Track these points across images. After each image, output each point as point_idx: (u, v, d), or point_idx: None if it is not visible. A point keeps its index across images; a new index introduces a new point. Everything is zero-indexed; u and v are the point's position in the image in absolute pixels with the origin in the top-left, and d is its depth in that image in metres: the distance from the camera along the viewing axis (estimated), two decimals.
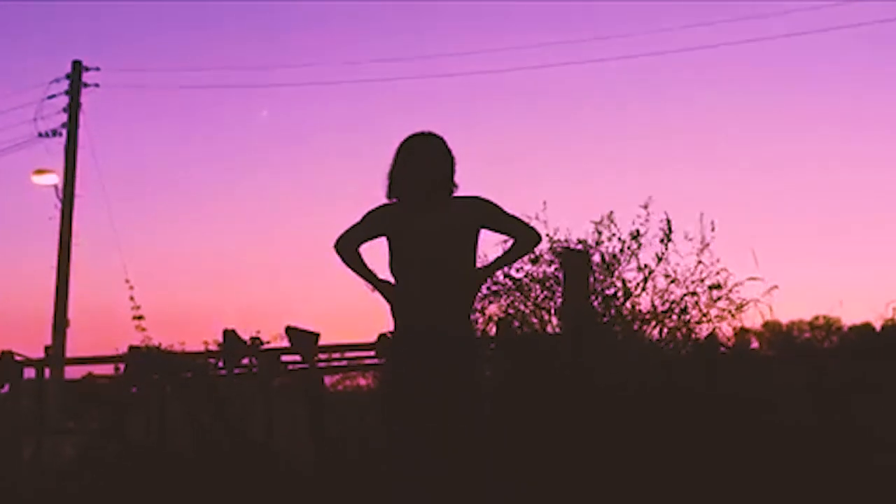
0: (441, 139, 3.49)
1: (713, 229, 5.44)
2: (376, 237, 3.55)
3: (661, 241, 5.48)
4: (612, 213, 5.62)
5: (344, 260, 3.58)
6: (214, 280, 28.88)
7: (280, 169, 30.28)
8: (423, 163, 3.44)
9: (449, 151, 3.49)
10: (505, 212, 3.52)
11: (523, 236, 3.55)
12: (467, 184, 3.54)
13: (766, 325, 5.77)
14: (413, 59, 33.80)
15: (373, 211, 3.55)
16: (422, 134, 3.49)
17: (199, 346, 6.81)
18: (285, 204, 30.92)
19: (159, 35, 30.24)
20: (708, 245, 5.44)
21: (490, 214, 3.49)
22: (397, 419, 3.38)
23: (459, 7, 28.66)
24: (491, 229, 3.53)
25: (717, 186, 27.04)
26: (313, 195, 30.37)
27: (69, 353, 15.79)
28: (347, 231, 3.58)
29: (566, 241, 5.51)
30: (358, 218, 3.58)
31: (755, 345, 6.83)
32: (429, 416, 3.32)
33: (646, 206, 5.51)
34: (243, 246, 29.88)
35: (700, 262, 5.44)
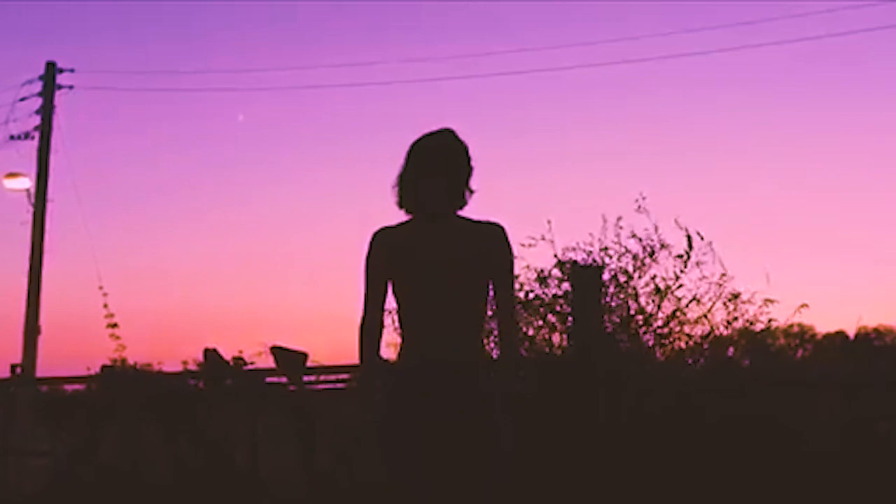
0: (459, 140, 3.11)
1: (702, 238, 5.23)
2: (389, 279, 3.01)
3: (679, 256, 5.20)
4: (618, 221, 5.33)
5: (362, 348, 2.97)
6: (193, 288, 28.29)
7: (259, 174, 29.72)
8: (436, 167, 3.05)
9: (467, 154, 3.10)
10: (512, 273, 3.08)
11: (506, 322, 3.04)
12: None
13: (741, 332, 5.51)
14: (395, 63, 33.38)
15: (371, 250, 3.04)
16: (438, 132, 3.11)
17: (177, 364, 6.44)
18: (266, 210, 30.39)
19: (135, 37, 29.68)
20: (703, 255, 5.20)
21: (502, 268, 3.03)
22: (399, 460, 2.97)
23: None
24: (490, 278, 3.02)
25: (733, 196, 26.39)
26: (294, 201, 29.90)
27: (40, 362, 15.48)
28: (366, 307, 3.01)
29: (575, 258, 5.20)
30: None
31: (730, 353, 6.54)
32: (437, 458, 2.92)
33: (638, 208, 5.25)
34: (223, 253, 29.35)
35: (701, 270, 5.18)
